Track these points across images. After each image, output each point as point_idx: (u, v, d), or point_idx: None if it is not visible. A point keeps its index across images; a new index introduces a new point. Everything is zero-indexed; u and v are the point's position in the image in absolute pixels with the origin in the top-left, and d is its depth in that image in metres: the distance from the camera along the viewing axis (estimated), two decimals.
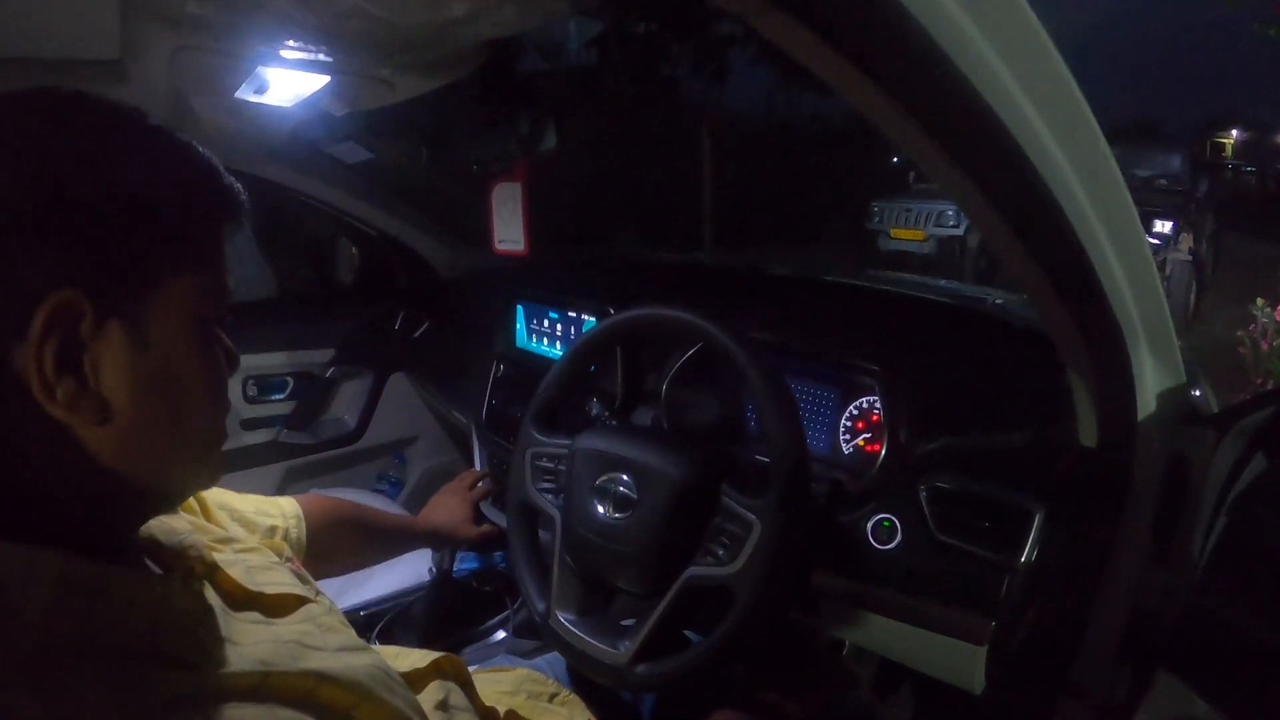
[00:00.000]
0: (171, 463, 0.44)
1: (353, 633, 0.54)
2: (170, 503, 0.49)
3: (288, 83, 0.86)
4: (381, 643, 1.07)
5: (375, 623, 1.08)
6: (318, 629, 0.51)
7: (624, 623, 0.76)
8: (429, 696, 0.61)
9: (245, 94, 0.88)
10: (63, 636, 0.36)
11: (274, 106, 0.93)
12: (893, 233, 6.31)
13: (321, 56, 0.78)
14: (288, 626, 0.49)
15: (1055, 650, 0.76)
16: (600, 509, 0.75)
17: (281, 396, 1.72)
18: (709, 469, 0.74)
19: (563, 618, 0.78)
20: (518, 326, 1.40)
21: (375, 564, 0.96)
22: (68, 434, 0.39)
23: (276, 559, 0.59)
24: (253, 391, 1.67)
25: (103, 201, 0.39)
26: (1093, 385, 0.68)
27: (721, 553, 0.70)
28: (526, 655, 0.88)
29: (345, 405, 1.81)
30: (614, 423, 1.01)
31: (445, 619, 1.09)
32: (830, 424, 0.95)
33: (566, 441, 0.82)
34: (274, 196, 2.09)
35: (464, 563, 1.23)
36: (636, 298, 1.32)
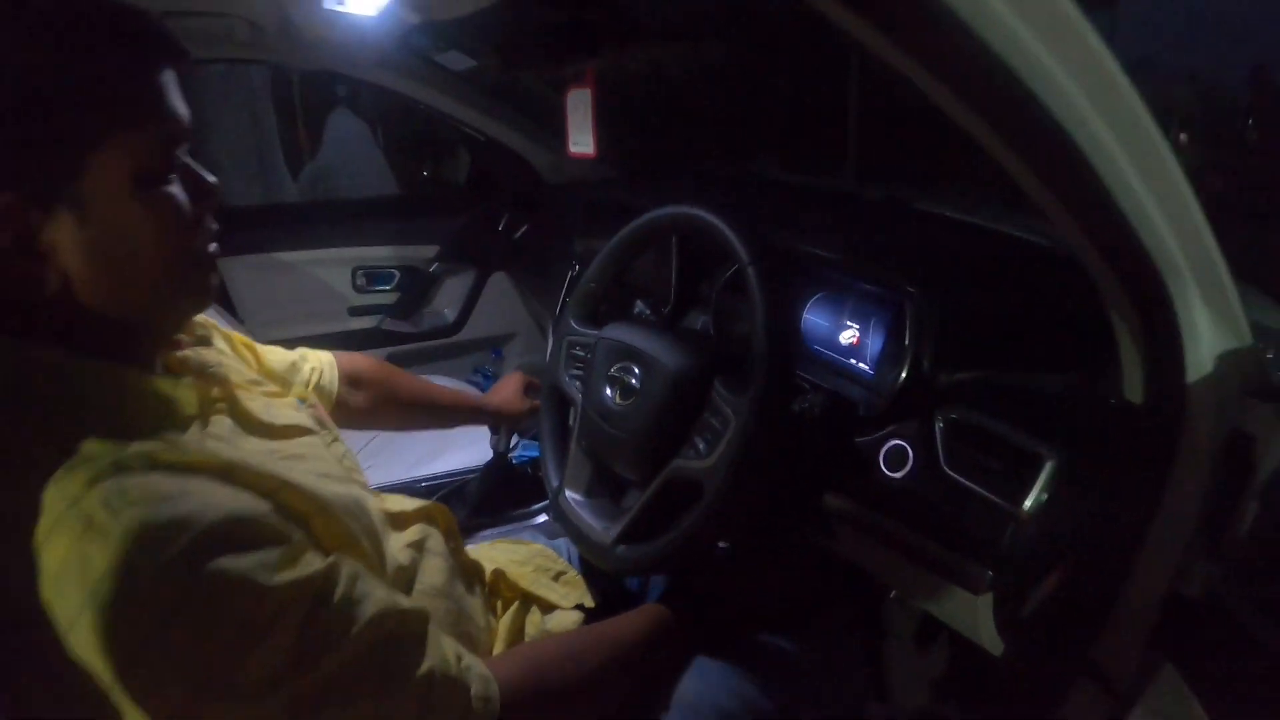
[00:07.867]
0: (145, 303, 0.49)
1: (340, 469, 0.58)
2: (163, 333, 0.53)
3: None
4: None
5: (433, 494, 1.21)
6: (311, 455, 0.57)
7: (626, 507, 0.80)
8: (408, 535, 0.66)
9: (332, 4, 0.94)
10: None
11: (363, 16, 0.98)
12: None
13: None
14: (284, 447, 0.56)
15: (1079, 625, 0.72)
16: (609, 394, 0.80)
17: (388, 288, 1.86)
18: (705, 361, 0.76)
19: (570, 496, 0.83)
20: None
21: (420, 429, 1.07)
22: (41, 293, 0.44)
23: (300, 403, 0.65)
24: (361, 281, 1.83)
25: (6, 108, 0.41)
26: (1136, 331, 0.59)
27: (702, 446, 0.72)
28: (553, 537, 0.94)
29: (447, 299, 1.94)
30: (648, 317, 1.02)
31: (495, 498, 1.19)
32: (875, 342, 0.90)
33: (599, 333, 0.86)
34: (388, 102, 2.14)
35: (526, 450, 1.33)
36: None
